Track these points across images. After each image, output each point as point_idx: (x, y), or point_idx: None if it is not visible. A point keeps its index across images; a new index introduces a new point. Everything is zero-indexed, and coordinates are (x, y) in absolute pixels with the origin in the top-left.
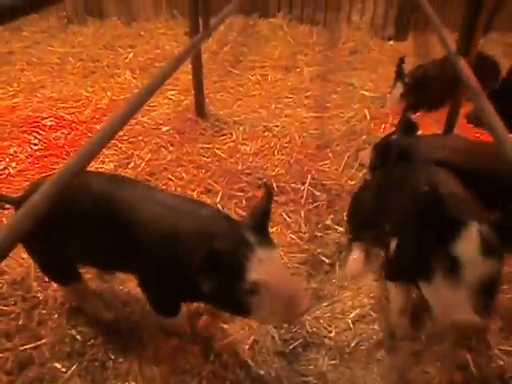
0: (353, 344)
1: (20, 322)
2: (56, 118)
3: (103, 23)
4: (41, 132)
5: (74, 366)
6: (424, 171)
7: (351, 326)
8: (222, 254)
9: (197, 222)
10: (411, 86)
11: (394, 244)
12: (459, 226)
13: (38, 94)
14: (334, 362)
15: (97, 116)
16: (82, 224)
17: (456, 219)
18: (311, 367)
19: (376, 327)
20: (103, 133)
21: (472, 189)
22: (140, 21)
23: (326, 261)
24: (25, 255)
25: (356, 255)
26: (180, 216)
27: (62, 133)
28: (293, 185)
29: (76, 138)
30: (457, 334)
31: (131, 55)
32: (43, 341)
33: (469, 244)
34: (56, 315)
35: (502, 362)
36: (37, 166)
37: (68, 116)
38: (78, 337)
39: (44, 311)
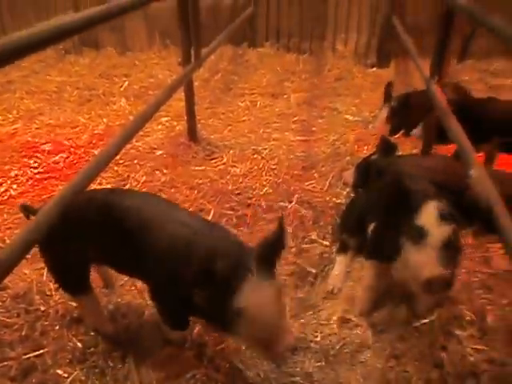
0: (337, 347)
1: (23, 333)
2: (54, 143)
3: (99, 53)
4: (40, 156)
5: (75, 373)
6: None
7: (336, 331)
8: (217, 273)
9: (207, 242)
10: (396, 109)
11: (371, 227)
12: (420, 203)
13: (37, 121)
14: (319, 363)
15: (94, 141)
16: (102, 232)
17: (417, 198)
18: (298, 369)
19: (359, 332)
20: (101, 157)
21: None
22: (134, 51)
23: (313, 271)
24: (27, 271)
25: (338, 271)
26: (194, 234)
27: (61, 157)
28: (280, 203)
29: (74, 161)
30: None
31: (126, 84)
32: (45, 349)
33: (429, 215)
34: (57, 326)
35: (472, 359)
36: (37, 188)
37: (66, 141)
38: (79, 345)
39: (46, 323)
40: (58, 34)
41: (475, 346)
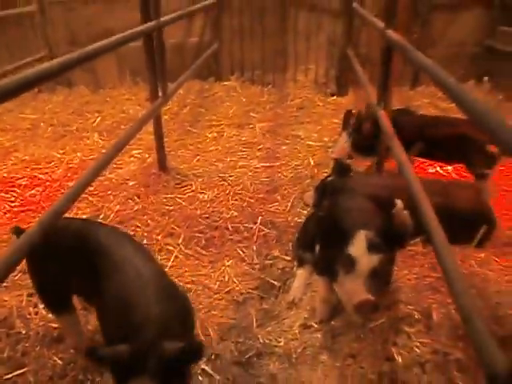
0: (299, 350)
1: (5, 355)
2: (30, 177)
3: (72, 91)
4: (17, 190)
5: None
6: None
7: (297, 336)
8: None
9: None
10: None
11: (317, 248)
12: (351, 234)
13: (12, 157)
14: (283, 365)
15: (69, 174)
16: (69, 259)
17: (349, 228)
18: (264, 371)
19: (318, 335)
20: (76, 186)
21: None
22: (106, 88)
23: (276, 284)
24: (7, 297)
25: (298, 284)
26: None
27: (37, 190)
28: (246, 225)
29: (50, 194)
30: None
31: (99, 119)
32: (27, 368)
33: (358, 246)
34: (38, 347)
35: (419, 351)
36: (15, 220)
37: (42, 176)
38: (59, 362)
39: (27, 344)
40: (36, 79)
41: (422, 340)
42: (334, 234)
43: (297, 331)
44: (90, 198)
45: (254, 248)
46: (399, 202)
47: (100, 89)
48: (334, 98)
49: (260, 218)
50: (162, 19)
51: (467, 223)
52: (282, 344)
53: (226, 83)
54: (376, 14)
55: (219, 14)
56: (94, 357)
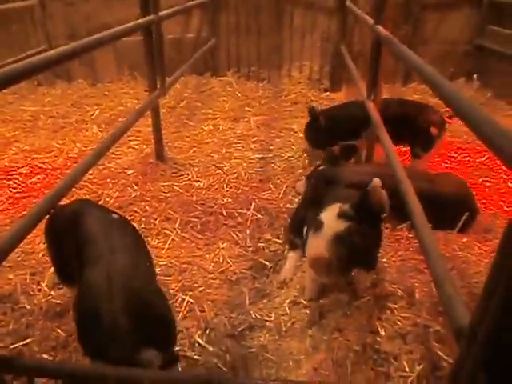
0: (289, 324)
1: (10, 327)
2: (31, 166)
3: (71, 85)
4: (18, 178)
5: (59, 356)
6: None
7: (287, 312)
8: None
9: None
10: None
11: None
12: (328, 203)
13: (13, 147)
14: (273, 338)
15: (69, 163)
16: (67, 240)
17: (327, 200)
18: (255, 343)
19: (307, 311)
20: (76, 173)
21: None
22: (104, 82)
23: (268, 265)
24: (11, 275)
25: (289, 265)
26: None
27: (38, 178)
28: (240, 211)
29: (51, 181)
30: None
31: (97, 112)
32: (31, 339)
33: (329, 213)
34: (41, 320)
35: (401, 324)
36: (16, 206)
37: (42, 165)
38: (62, 333)
39: (31, 318)
40: (35, 67)
41: (404, 315)
42: (315, 209)
43: (287, 307)
44: (90, 186)
45: (248, 232)
46: (376, 180)
47: (98, 83)
48: (328, 93)
49: (253, 204)
50: (160, 13)
51: (450, 210)
52: (272, 319)
53: (222, 78)
54: (367, 12)
55: (216, 10)
56: None
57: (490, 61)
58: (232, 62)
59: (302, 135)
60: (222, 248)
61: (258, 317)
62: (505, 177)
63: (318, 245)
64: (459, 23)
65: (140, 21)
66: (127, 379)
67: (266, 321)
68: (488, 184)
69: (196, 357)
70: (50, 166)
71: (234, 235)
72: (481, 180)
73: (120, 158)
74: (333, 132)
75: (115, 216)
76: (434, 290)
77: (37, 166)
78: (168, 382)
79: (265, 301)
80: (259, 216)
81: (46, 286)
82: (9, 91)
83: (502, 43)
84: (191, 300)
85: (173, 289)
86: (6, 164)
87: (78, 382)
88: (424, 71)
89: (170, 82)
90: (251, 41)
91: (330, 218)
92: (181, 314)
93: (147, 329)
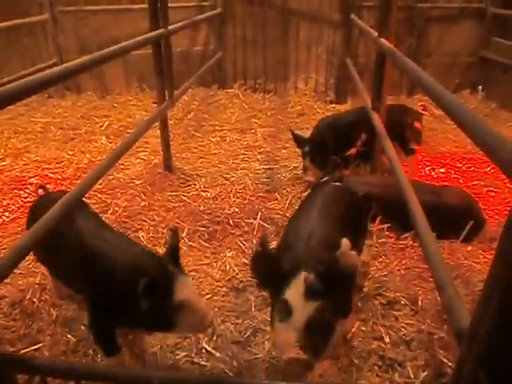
0: None
1: (21, 332)
2: (41, 176)
3: (80, 97)
4: (29, 187)
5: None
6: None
7: None
8: (157, 283)
9: (132, 258)
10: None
11: None
12: (291, 274)
13: (24, 158)
14: None
15: (78, 174)
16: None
17: (288, 268)
18: (261, 348)
19: None
20: (86, 181)
21: (387, 213)
22: (113, 94)
23: None
24: (22, 282)
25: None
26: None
27: (48, 188)
28: (246, 220)
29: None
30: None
31: (106, 123)
32: (42, 344)
33: (294, 290)
34: (52, 325)
35: (405, 331)
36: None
37: (52, 175)
38: (72, 338)
39: (41, 323)
40: (46, 82)
41: (408, 322)
42: (272, 275)
43: None
44: (99, 195)
45: (254, 241)
46: (345, 242)
47: (107, 95)
48: (333, 105)
49: (260, 214)
50: (169, 27)
51: (456, 221)
52: None
53: (229, 90)
54: (372, 25)
55: (223, 24)
56: None
57: (494, 72)
58: (239, 75)
59: None
60: (229, 256)
61: (264, 323)
62: (510, 186)
63: (289, 342)
64: (463, 35)
65: (150, 34)
66: (138, 379)
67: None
68: (493, 194)
69: (203, 363)
70: (60, 176)
71: (241, 244)
72: (486, 190)
73: (128, 169)
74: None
75: None
76: (438, 298)
77: (47, 175)
78: (177, 381)
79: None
80: (266, 225)
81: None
82: (20, 103)
83: (506, 55)
84: None
85: None
86: (18, 174)
87: (89, 381)
88: (426, 83)
89: (178, 94)
90: (258, 53)
91: (297, 299)
92: None
93: None
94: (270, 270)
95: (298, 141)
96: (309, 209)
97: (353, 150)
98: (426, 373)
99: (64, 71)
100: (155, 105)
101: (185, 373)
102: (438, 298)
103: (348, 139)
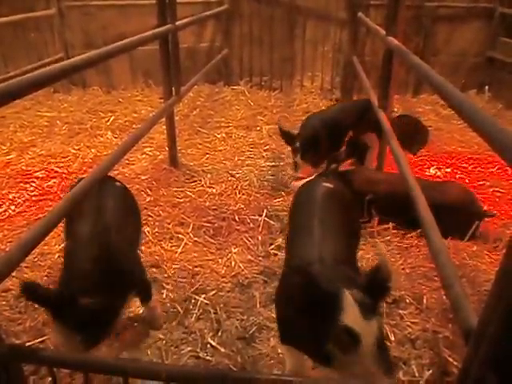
0: None
1: (27, 325)
2: (47, 170)
3: (86, 92)
4: (35, 181)
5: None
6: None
7: None
8: None
9: None
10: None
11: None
12: (337, 299)
13: (30, 152)
14: None
15: (84, 168)
16: None
17: (331, 293)
18: (265, 344)
19: None
20: (93, 175)
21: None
22: (119, 90)
23: (278, 271)
24: (27, 275)
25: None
26: None
27: (54, 182)
28: (252, 217)
29: (67, 185)
30: None
31: (112, 118)
32: (47, 337)
33: (351, 313)
34: None
35: (410, 330)
36: (33, 208)
37: (58, 169)
38: None
39: (46, 316)
40: (52, 77)
41: (413, 320)
42: (311, 306)
43: None
44: None
45: (259, 238)
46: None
47: (113, 90)
48: None
49: (265, 211)
50: (177, 23)
51: (456, 215)
52: None
53: (235, 87)
54: (379, 23)
55: (230, 21)
56: (27, 291)
57: (501, 73)
58: (244, 72)
59: None
60: (234, 253)
61: (269, 320)
62: None
63: (370, 370)
64: (470, 35)
65: (158, 30)
66: (146, 371)
67: (274, 322)
68: (498, 194)
69: (208, 357)
70: (65, 171)
71: (246, 240)
72: (491, 190)
73: (134, 164)
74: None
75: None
76: (444, 296)
77: (53, 170)
78: (185, 374)
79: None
80: (271, 222)
81: None
82: (26, 97)
83: None
84: (206, 301)
85: (187, 291)
86: (23, 168)
87: (97, 373)
88: (435, 81)
89: (184, 90)
90: (264, 51)
91: (358, 322)
92: (194, 315)
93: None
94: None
95: (287, 137)
96: (309, 220)
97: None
98: (430, 371)
99: (70, 66)
100: (161, 100)
101: (193, 367)
102: (444, 297)
103: (339, 135)
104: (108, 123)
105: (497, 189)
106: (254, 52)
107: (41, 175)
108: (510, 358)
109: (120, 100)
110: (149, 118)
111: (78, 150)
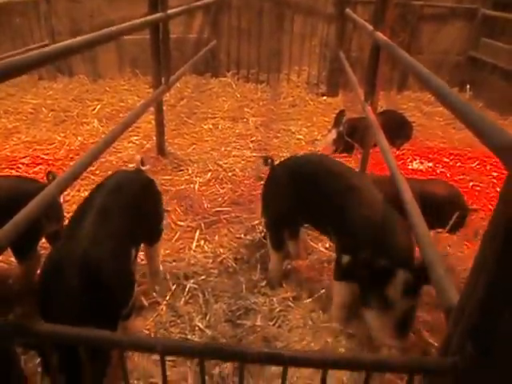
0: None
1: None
2: (33, 157)
3: (72, 80)
4: (21, 167)
5: None
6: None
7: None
8: None
9: None
10: (342, 134)
11: (345, 259)
12: (390, 274)
13: (14, 138)
14: (266, 323)
15: (71, 155)
16: None
17: (388, 268)
18: (249, 323)
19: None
20: (80, 163)
21: None
22: (106, 78)
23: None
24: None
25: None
26: None
27: (40, 169)
28: (237, 205)
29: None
30: None
31: (98, 107)
32: None
33: (396, 287)
34: None
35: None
36: None
37: (44, 156)
38: None
39: None
40: (36, 62)
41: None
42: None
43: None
44: (92, 177)
45: (246, 224)
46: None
47: (100, 79)
48: (325, 98)
49: (251, 199)
50: (168, 12)
51: (442, 210)
52: (267, 305)
53: (222, 79)
54: (366, 19)
55: (218, 12)
56: None
57: (482, 72)
58: (232, 64)
59: (299, 136)
60: (221, 240)
61: (256, 304)
62: (494, 182)
63: (388, 332)
64: (453, 34)
65: (149, 17)
66: (141, 345)
67: (262, 305)
68: (478, 188)
69: (196, 339)
70: (52, 158)
71: (232, 229)
72: (471, 184)
73: (121, 152)
74: None
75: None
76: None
77: (38, 156)
78: (180, 348)
79: (263, 289)
80: (254, 212)
81: None
82: (10, 84)
83: (494, 55)
84: (194, 286)
85: (174, 276)
86: (8, 154)
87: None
88: (422, 75)
89: (173, 79)
90: (252, 44)
91: (396, 294)
92: (183, 299)
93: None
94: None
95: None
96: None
97: None
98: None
99: (56, 51)
100: (149, 90)
101: (188, 341)
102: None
103: None
104: (94, 112)
105: (476, 183)
106: (242, 44)
107: (26, 161)
108: (485, 328)
109: (107, 89)
110: (138, 105)
111: (64, 137)
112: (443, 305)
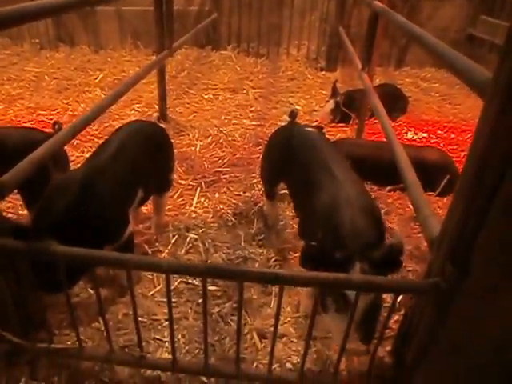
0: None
1: None
2: (37, 122)
3: (73, 50)
4: None
5: None
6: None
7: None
8: None
9: None
10: (340, 104)
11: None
12: (347, 265)
13: (18, 104)
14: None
15: (74, 120)
16: None
17: (342, 259)
18: None
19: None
20: (90, 113)
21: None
22: (107, 49)
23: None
24: None
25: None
26: None
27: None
28: (236, 167)
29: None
30: None
31: (101, 76)
32: None
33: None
34: None
35: None
36: None
37: (47, 120)
38: None
39: None
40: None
41: None
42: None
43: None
44: (96, 139)
45: (244, 183)
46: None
47: (101, 49)
48: (323, 72)
49: (249, 161)
50: None
51: (435, 174)
52: (264, 254)
53: (222, 52)
54: None
55: None
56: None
57: (480, 50)
58: (232, 38)
59: (297, 107)
60: (221, 197)
61: (254, 254)
62: None
63: (347, 330)
64: (453, 11)
65: None
66: (147, 264)
67: (260, 255)
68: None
69: (196, 283)
70: None
71: (231, 187)
72: (463, 154)
73: (123, 119)
74: None
75: None
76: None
77: (42, 121)
78: (184, 267)
79: (260, 241)
80: (253, 173)
81: None
82: (12, 52)
83: (492, 33)
84: (195, 236)
85: (176, 228)
86: (13, 118)
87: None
88: (422, 38)
89: (175, 47)
90: (252, 18)
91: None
92: (184, 249)
93: None
94: (323, 260)
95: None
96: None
97: None
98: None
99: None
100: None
101: (191, 262)
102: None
103: None
104: (97, 80)
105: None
106: (243, 18)
107: (30, 126)
108: (461, 252)
109: (108, 59)
110: (141, 69)
111: (67, 103)
112: (428, 238)
